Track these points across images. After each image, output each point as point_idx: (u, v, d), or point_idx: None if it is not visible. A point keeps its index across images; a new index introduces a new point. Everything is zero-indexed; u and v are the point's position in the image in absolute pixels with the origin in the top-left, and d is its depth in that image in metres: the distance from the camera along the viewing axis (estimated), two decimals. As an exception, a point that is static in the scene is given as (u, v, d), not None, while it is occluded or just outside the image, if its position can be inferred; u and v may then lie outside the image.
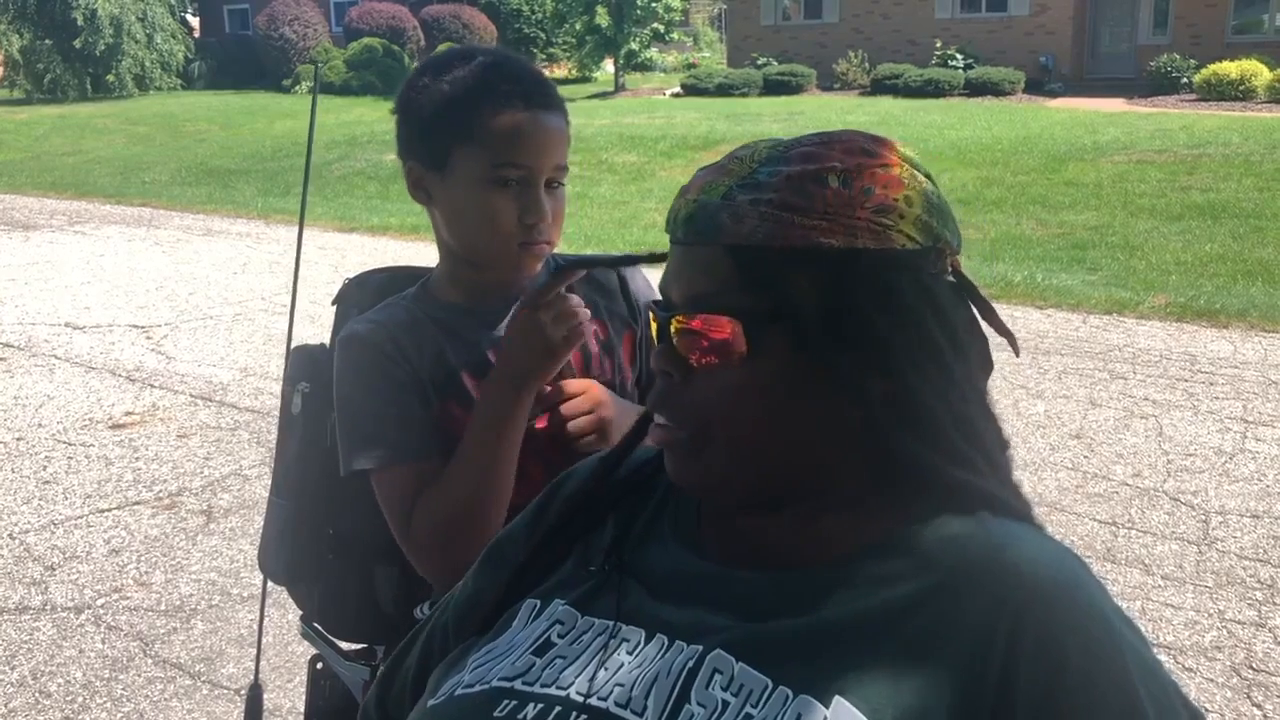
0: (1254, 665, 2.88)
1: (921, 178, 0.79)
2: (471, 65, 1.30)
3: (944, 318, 0.78)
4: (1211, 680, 2.80)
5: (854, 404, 0.77)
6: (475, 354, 1.34)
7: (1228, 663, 2.89)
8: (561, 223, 1.35)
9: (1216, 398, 4.99)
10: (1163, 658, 2.83)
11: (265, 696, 1.86)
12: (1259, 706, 2.70)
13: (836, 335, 0.75)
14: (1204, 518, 3.75)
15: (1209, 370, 5.43)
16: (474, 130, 1.27)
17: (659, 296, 1.36)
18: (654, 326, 0.83)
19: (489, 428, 1.25)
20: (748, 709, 0.71)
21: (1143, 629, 0.77)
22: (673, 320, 0.79)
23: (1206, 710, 2.69)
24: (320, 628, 1.53)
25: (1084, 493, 3.99)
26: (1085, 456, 4.33)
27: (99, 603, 3.32)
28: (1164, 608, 3.16)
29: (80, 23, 25.43)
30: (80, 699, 2.83)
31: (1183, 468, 4.19)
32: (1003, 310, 7.25)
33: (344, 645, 1.54)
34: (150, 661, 3.00)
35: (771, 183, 0.76)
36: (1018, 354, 0.88)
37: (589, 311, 1.28)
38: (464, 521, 1.23)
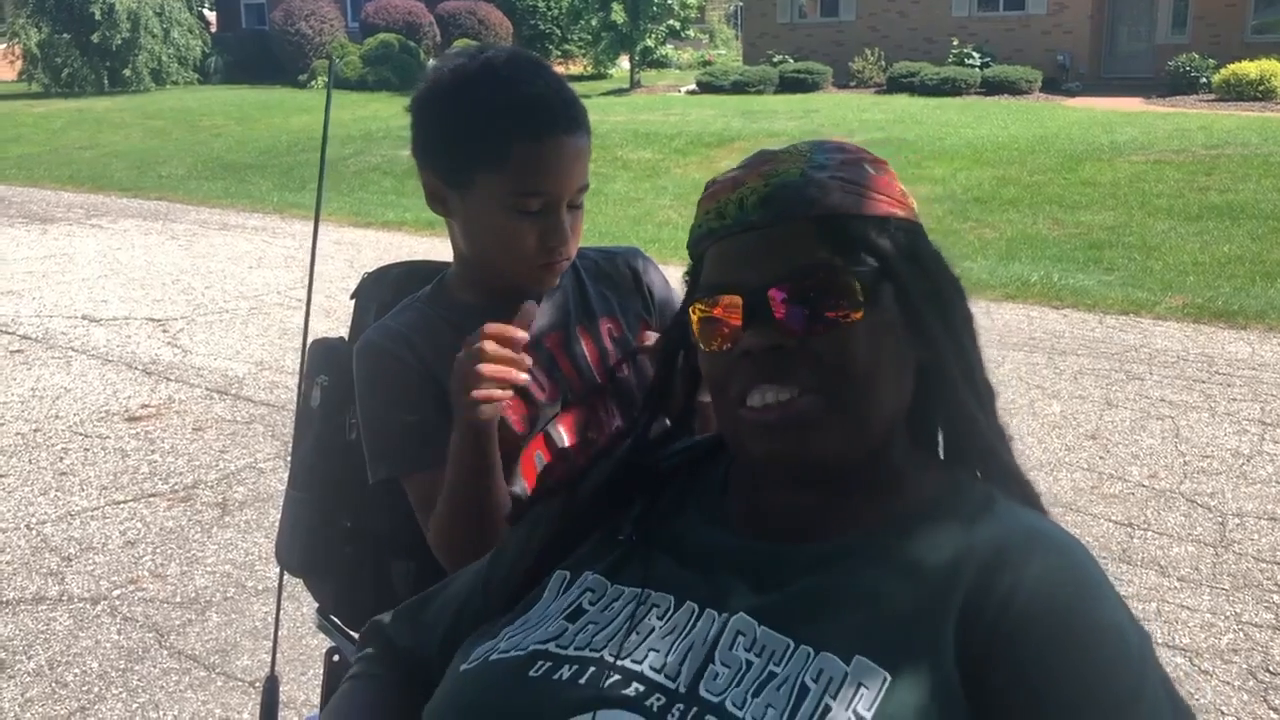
0: (1271, 668, 2.86)
1: None
2: (495, 84, 1.26)
3: (962, 287, 0.89)
4: (1228, 683, 2.79)
5: (932, 359, 0.84)
6: None
7: (1244, 665, 2.87)
8: (580, 237, 1.35)
9: (1234, 399, 4.96)
10: (1179, 660, 2.82)
11: (280, 689, 1.86)
12: (1276, 710, 2.68)
13: (923, 293, 0.84)
14: (1221, 520, 3.73)
15: (1226, 371, 5.39)
16: (499, 159, 1.25)
17: (674, 292, 1.37)
18: (722, 314, 0.83)
19: (459, 469, 1.21)
20: (771, 667, 0.74)
21: (1158, 632, 0.79)
22: (770, 292, 0.81)
23: (1222, 714, 2.68)
24: (337, 620, 1.53)
25: (1100, 494, 3.97)
26: (1101, 457, 4.31)
27: (115, 594, 3.34)
28: (1180, 610, 3.15)
29: (98, 17, 25.53)
30: (96, 689, 2.85)
31: (1200, 469, 4.16)
32: (1019, 310, 7.26)
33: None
34: (165, 653, 3.01)
35: (832, 164, 0.84)
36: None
37: (527, 363, 1.17)
38: (458, 537, 1.24)
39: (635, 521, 0.90)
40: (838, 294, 0.80)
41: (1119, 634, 0.75)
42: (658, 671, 0.77)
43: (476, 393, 1.13)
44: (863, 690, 0.71)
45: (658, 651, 0.78)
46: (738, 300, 0.82)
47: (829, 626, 0.75)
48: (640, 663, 0.77)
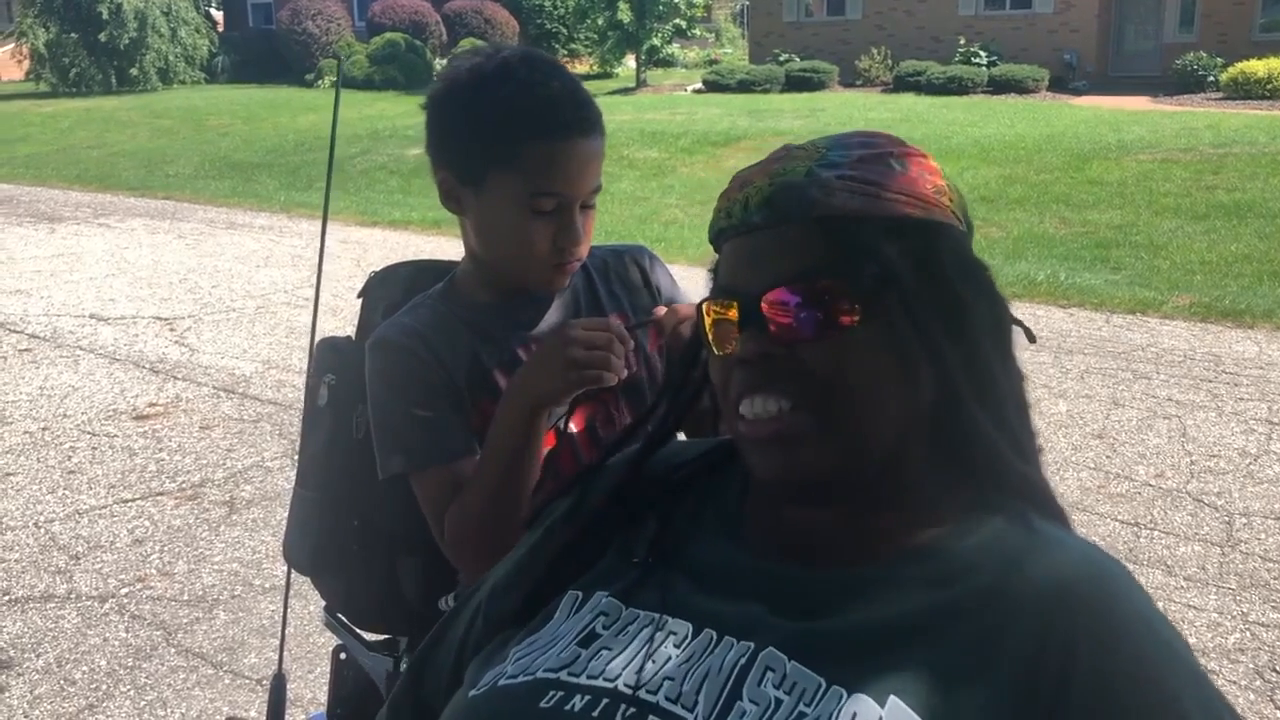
0: (1277, 668, 2.86)
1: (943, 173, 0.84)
2: (512, 84, 1.26)
3: (1000, 295, 0.83)
4: (1234, 683, 2.79)
5: (938, 372, 0.79)
6: (506, 352, 1.35)
7: (1251, 665, 2.87)
8: (591, 238, 1.35)
9: (1241, 399, 4.95)
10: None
11: (287, 686, 1.87)
12: (1282, 710, 2.68)
13: (931, 302, 0.78)
14: (1227, 519, 3.73)
15: (1233, 371, 5.38)
16: (514, 159, 1.25)
17: (682, 290, 1.34)
18: (721, 317, 0.81)
19: (503, 446, 1.24)
20: (801, 707, 0.71)
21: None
22: (764, 298, 0.78)
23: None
24: (344, 618, 1.54)
25: (1106, 493, 3.97)
26: (1108, 456, 4.31)
27: (123, 592, 3.36)
28: (1186, 609, 3.14)
29: (105, 17, 25.60)
30: (104, 687, 2.86)
31: (1206, 469, 4.16)
32: (1026, 309, 7.24)
33: (367, 635, 1.55)
34: (173, 650, 3.02)
35: (846, 161, 0.79)
36: (1033, 341, 0.89)
37: (630, 342, 1.24)
38: (487, 529, 1.24)
39: (650, 543, 0.86)
40: (831, 302, 0.76)
41: (1146, 624, 0.73)
42: (673, 702, 0.74)
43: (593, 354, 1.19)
44: None
45: (673, 680, 0.75)
46: (735, 304, 0.80)
47: (862, 666, 0.72)
48: (655, 693, 0.74)
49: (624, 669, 0.77)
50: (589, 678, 0.77)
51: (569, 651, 0.80)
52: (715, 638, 0.77)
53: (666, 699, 0.74)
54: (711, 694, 0.73)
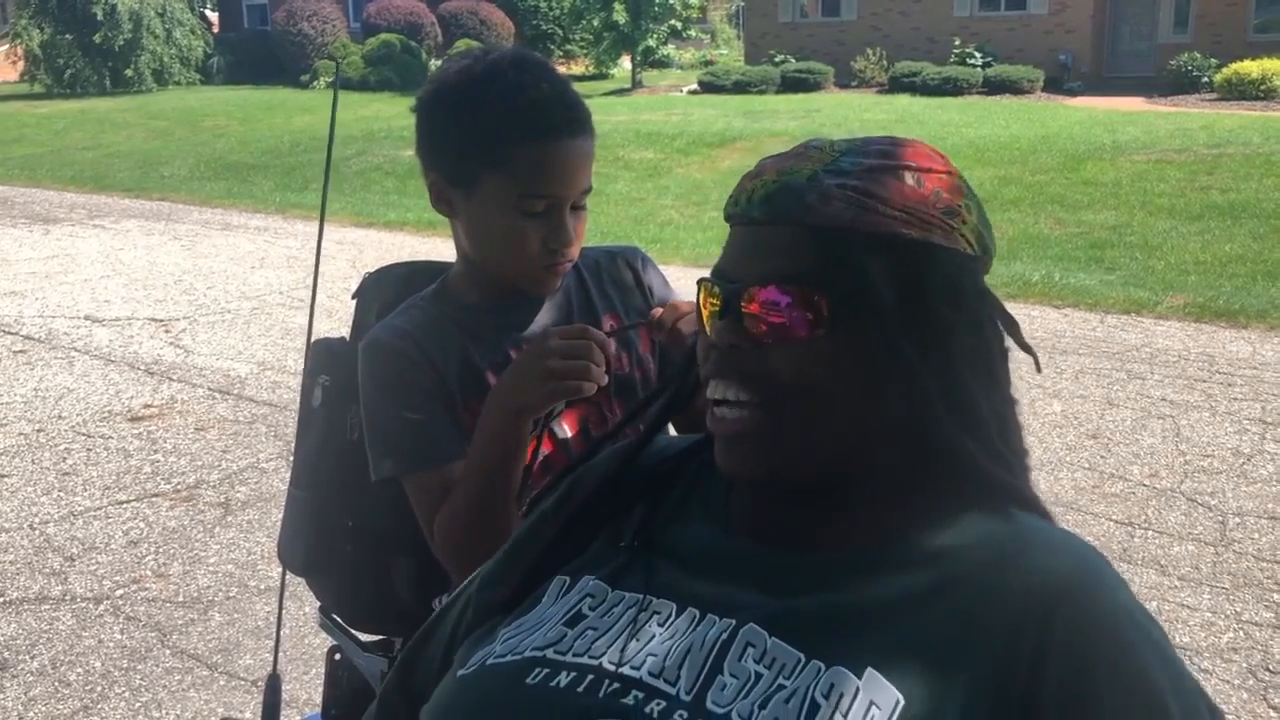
0: (1270, 667, 2.86)
1: (971, 192, 0.84)
2: (500, 86, 1.27)
3: (994, 323, 0.82)
4: (1228, 682, 2.79)
5: (910, 390, 0.79)
6: (498, 353, 1.35)
7: (1244, 664, 2.88)
8: (583, 239, 1.36)
9: (1235, 399, 4.96)
10: (1179, 659, 2.83)
11: (282, 687, 1.87)
12: (1276, 709, 2.69)
13: (907, 322, 0.78)
14: (1221, 519, 3.74)
15: (1227, 371, 5.40)
16: (504, 160, 1.26)
17: (674, 291, 1.35)
18: (709, 301, 0.83)
19: (487, 454, 1.24)
20: (780, 680, 0.73)
21: (1159, 629, 0.78)
22: (745, 292, 0.79)
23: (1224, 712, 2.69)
24: (339, 619, 1.54)
25: (1100, 493, 3.98)
26: (1102, 456, 4.32)
27: (118, 593, 3.35)
28: (1180, 609, 3.15)
29: (100, 18, 25.55)
30: (99, 688, 2.86)
31: (1200, 469, 4.17)
32: (1020, 310, 7.25)
33: (362, 636, 1.55)
34: (168, 652, 3.02)
35: (854, 170, 0.79)
36: (1039, 370, 0.89)
37: (611, 348, 1.24)
38: (474, 533, 1.25)
39: (637, 529, 0.88)
40: (807, 309, 0.77)
41: (1128, 615, 0.74)
42: (655, 676, 0.75)
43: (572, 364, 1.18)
44: (874, 711, 0.70)
45: (656, 656, 0.77)
46: (719, 290, 0.82)
47: (842, 641, 0.74)
48: (639, 669, 0.76)
49: (609, 647, 0.79)
50: (574, 655, 0.79)
51: (556, 631, 0.82)
52: (698, 616, 0.79)
53: (649, 674, 0.76)
54: (693, 669, 0.75)
